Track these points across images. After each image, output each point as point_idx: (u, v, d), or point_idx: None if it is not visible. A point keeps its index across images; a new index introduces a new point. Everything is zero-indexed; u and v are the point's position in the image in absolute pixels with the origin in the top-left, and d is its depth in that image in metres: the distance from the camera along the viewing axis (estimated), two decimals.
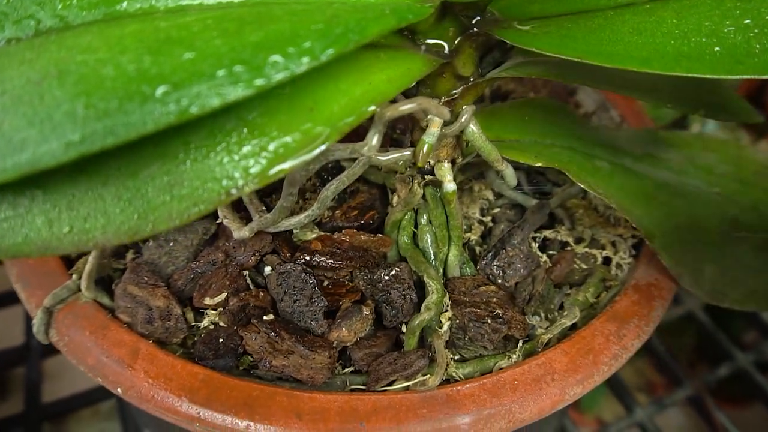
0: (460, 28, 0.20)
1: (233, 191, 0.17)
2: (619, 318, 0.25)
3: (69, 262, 0.26)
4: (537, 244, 0.29)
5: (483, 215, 0.30)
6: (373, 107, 0.18)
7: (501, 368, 0.23)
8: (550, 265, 0.28)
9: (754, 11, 0.19)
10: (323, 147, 0.17)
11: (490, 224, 0.30)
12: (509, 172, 0.25)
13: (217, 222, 0.26)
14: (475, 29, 0.20)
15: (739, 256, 0.30)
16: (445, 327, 0.25)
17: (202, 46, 0.14)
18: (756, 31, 0.18)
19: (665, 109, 0.54)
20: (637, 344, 0.25)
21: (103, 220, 0.16)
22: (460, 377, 0.23)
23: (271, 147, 0.17)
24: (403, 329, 0.25)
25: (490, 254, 0.28)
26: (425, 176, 0.26)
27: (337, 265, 0.26)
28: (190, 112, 0.14)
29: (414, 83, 0.22)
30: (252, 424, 0.21)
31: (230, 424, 0.21)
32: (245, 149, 0.17)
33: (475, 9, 0.20)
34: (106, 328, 0.23)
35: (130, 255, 0.26)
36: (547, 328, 0.25)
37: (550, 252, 0.29)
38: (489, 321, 0.25)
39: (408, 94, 0.23)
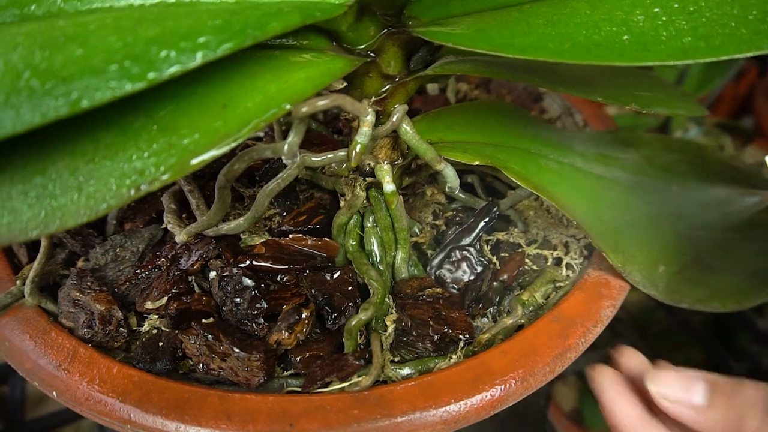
0: (381, 27, 0.21)
1: (143, 187, 0.17)
2: (565, 318, 0.25)
3: (17, 268, 0.26)
4: (490, 246, 0.29)
5: (435, 218, 0.30)
6: (287, 105, 0.19)
7: (440, 369, 0.23)
8: (500, 266, 0.28)
9: (663, 0, 0.19)
10: (233, 144, 0.18)
11: (443, 227, 0.30)
12: (449, 173, 0.25)
13: (163, 228, 0.26)
14: (395, 28, 0.21)
15: (699, 255, 0.30)
16: (390, 329, 0.25)
17: (95, 42, 0.15)
18: (664, 18, 0.19)
19: (647, 118, 0.53)
20: (583, 344, 0.24)
21: (9, 218, 0.16)
22: (397, 378, 0.23)
23: (180, 144, 0.17)
24: None
25: (439, 257, 0.28)
26: (366, 178, 0.26)
27: (281, 269, 0.26)
28: (80, 106, 0.14)
29: (342, 82, 0.23)
30: (182, 425, 0.21)
31: (160, 425, 0.21)
32: (154, 146, 0.17)
33: (394, 8, 0.20)
34: (46, 333, 0.23)
35: (80, 263, 0.27)
36: (500, 327, 0.25)
37: (503, 254, 0.29)
38: (431, 322, 0.24)
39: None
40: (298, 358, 0.24)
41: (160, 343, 0.23)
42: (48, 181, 0.17)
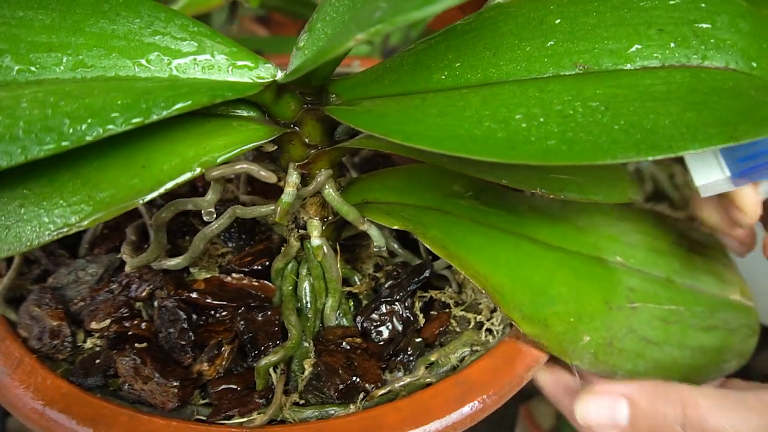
0: (300, 103, 0.23)
1: (64, 230, 0.20)
2: (468, 383, 0.26)
3: None
4: (422, 303, 0.30)
5: (377, 271, 0.32)
6: (199, 169, 0.21)
7: (335, 417, 0.25)
8: (424, 324, 0.29)
9: (546, 102, 0.21)
10: (147, 198, 0.20)
11: (383, 280, 0.31)
12: (374, 233, 0.27)
13: (119, 256, 0.30)
14: (312, 105, 0.23)
15: (633, 326, 0.30)
16: (307, 372, 0.27)
17: (20, 114, 0.18)
18: (541, 120, 0.20)
19: None
20: (480, 413, 0.25)
21: None
22: (294, 420, 0.25)
23: (97, 197, 0.20)
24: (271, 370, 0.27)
25: (369, 309, 0.29)
26: (300, 230, 0.28)
27: (218, 305, 0.28)
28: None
29: (273, 146, 0.25)
30: None
31: (77, 430, 0.23)
32: (75, 197, 0.20)
33: (312, 87, 0.23)
34: (2, 340, 0.27)
35: (50, 279, 0.30)
36: (398, 384, 0.26)
37: (432, 312, 0.30)
38: (340, 371, 0.26)
39: (273, 157, 0.26)
40: (213, 390, 0.26)
41: (97, 361, 0.26)
42: None
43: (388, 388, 0.25)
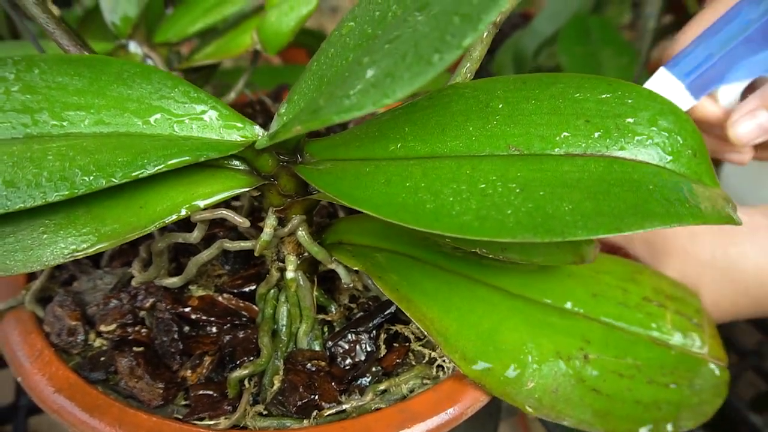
0: (276, 161, 0.27)
1: (74, 254, 0.25)
2: (409, 411, 0.29)
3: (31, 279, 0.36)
4: (386, 335, 0.34)
5: (352, 302, 0.35)
6: (185, 212, 0.26)
7: (290, 429, 0.29)
8: (384, 354, 0.33)
9: (474, 179, 0.24)
10: (143, 233, 0.25)
11: (356, 311, 0.35)
12: (341, 271, 0.31)
13: (130, 270, 0.35)
14: (287, 163, 0.27)
15: (583, 376, 0.33)
16: (275, 387, 0.31)
17: (45, 165, 0.23)
18: (465, 196, 0.23)
19: None
20: None
21: None
22: (254, 428, 0.29)
23: (102, 230, 0.25)
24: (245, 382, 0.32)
25: (338, 336, 0.33)
26: (280, 263, 0.32)
27: (208, 321, 0.33)
28: (19, 206, 0.22)
29: (257, 192, 0.29)
30: (91, 419, 0.28)
31: (78, 415, 0.28)
32: (85, 229, 0.25)
33: (285, 149, 0.27)
34: (30, 333, 0.32)
35: (75, 284, 0.36)
36: (348, 405, 0.30)
37: (395, 344, 0.34)
38: (301, 388, 0.30)
39: (259, 200, 0.30)
40: (192, 393, 0.30)
41: (102, 358, 0.31)
42: (17, 240, 0.25)
43: (338, 408, 0.29)
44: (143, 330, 0.33)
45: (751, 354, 0.57)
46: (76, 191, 0.23)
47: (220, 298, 0.34)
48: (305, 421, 0.29)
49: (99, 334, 0.33)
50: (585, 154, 0.24)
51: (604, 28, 0.70)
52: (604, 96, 0.25)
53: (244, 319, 0.33)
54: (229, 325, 0.33)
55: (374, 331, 0.33)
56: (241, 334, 0.32)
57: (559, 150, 0.24)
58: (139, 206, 0.26)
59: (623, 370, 0.35)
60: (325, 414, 0.29)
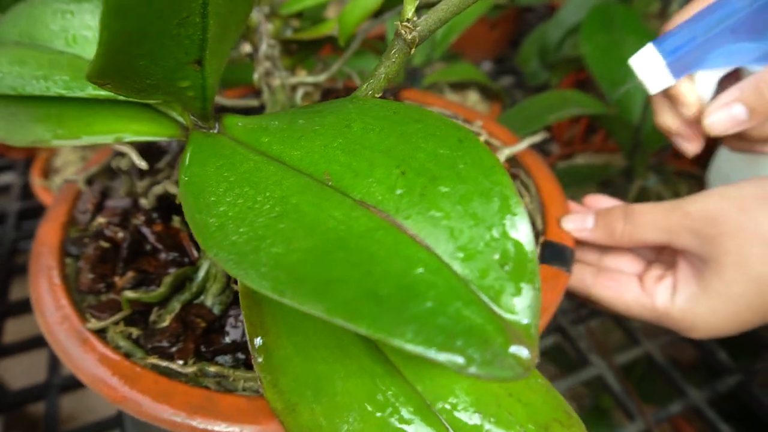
0: (192, 123, 0.29)
1: (36, 142, 0.32)
2: (210, 401, 0.29)
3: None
4: None
5: None
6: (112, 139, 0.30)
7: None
8: None
9: (268, 188, 0.22)
10: (81, 143, 0.31)
11: None
12: None
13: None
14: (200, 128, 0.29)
15: None
16: (164, 324, 0.34)
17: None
18: (250, 204, 0.22)
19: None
20: None
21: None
22: (111, 341, 0.32)
23: (58, 131, 0.31)
24: None
25: (233, 309, 0.34)
26: None
27: (161, 248, 0.37)
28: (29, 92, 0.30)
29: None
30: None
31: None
32: (50, 126, 0.32)
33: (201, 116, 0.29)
34: (51, 268, 0.41)
35: (116, 183, 0.44)
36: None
37: None
38: (168, 334, 0.32)
39: None
40: (105, 297, 0.35)
41: (84, 240, 0.39)
42: (19, 121, 0.33)
43: (176, 368, 0.31)
44: (120, 234, 0.39)
45: None
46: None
47: (181, 234, 0.38)
48: (149, 359, 0.31)
49: (97, 222, 0.41)
50: (374, 208, 0.20)
51: (627, 17, 0.64)
52: (441, 151, 0.20)
53: (187, 259, 0.37)
54: (173, 258, 0.37)
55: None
56: (172, 270, 0.36)
57: (356, 194, 0.21)
58: (86, 123, 0.31)
59: None
60: (163, 365, 0.31)
